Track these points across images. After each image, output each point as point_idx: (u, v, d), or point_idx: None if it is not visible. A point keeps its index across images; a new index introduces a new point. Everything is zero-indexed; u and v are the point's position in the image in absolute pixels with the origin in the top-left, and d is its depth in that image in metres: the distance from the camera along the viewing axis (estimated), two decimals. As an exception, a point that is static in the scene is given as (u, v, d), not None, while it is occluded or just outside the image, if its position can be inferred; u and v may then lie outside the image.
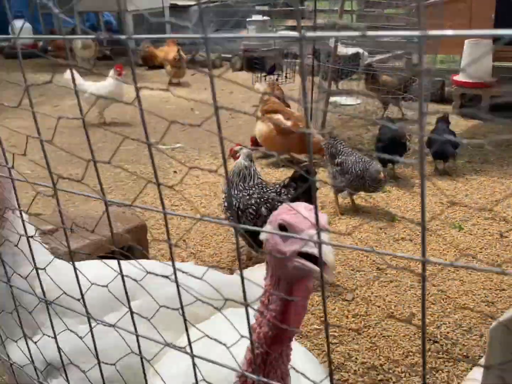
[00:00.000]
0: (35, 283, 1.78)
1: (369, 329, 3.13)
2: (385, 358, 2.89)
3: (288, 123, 5.62)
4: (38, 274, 1.42)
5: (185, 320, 1.00)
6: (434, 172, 5.49)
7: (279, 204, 3.38)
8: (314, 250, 0.98)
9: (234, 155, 3.82)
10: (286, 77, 8.47)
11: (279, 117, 5.77)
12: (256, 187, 3.62)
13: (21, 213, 1.53)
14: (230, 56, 11.38)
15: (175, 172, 5.88)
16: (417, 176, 5.41)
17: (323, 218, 1.02)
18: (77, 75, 7.21)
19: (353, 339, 3.05)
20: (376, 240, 4.19)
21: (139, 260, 1.85)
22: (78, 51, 11.04)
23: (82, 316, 1.94)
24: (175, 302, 1.72)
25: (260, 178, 3.75)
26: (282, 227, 1.05)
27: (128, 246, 2.63)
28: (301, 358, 1.60)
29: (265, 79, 8.14)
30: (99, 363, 1.24)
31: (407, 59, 8.87)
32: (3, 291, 1.83)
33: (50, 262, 1.49)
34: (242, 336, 0.92)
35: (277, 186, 3.57)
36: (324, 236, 0.98)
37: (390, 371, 2.77)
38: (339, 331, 3.13)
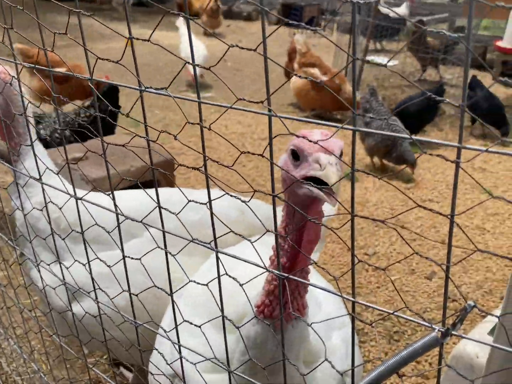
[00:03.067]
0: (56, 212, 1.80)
1: (388, 283, 3.12)
2: (402, 312, 2.88)
3: (324, 78, 5.52)
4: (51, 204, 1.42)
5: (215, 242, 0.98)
6: (469, 136, 5.35)
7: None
8: (318, 173, 0.95)
9: None
10: (323, 30, 8.27)
11: (315, 71, 5.66)
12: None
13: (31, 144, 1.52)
14: (267, 9, 11.13)
15: (204, 120, 5.86)
16: (447, 140, 5.28)
17: (337, 144, 0.98)
18: (182, 23, 7.06)
19: (371, 291, 3.05)
20: (402, 200, 4.14)
21: (160, 188, 1.84)
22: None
23: (103, 243, 1.96)
24: (199, 229, 1.72)
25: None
26: (294, 153, 1.02)
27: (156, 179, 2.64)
28: (322, 292, 1.60)
29: (302, 32, 7.97)
30: (129, 288, 1.25)
31: (450, 22, 8.56)
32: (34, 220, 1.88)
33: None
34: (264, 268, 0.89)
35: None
36: (331, 159, 0.94)
37: (406, 324, 2.77)
38: (358, 283, 3.13)
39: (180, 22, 7.11)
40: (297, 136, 0.94)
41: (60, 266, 1.41)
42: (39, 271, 1.40)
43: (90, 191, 1.26)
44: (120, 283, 1.45)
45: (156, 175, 2.51)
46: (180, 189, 1.28)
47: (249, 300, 1.01)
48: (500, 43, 7.18)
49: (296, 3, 10.15)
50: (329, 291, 0.88)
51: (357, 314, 2.86)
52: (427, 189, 4.29)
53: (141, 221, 1.05)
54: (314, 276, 1.70)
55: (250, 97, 6.35)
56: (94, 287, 1.50)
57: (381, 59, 7.95)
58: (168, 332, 1.14)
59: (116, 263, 1.25)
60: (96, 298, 1.35)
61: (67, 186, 1.56)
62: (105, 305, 1.40)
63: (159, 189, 1.75)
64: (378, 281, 3.15)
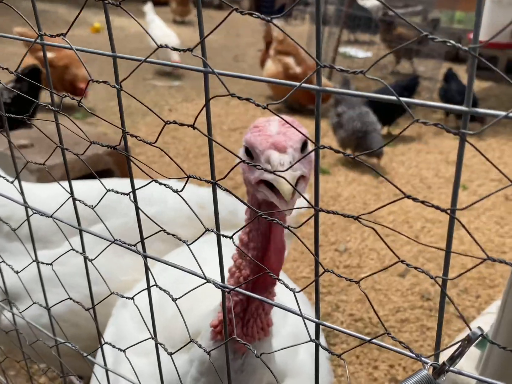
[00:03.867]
0: None
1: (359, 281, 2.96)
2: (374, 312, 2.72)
3: (298, 70, 5.33)
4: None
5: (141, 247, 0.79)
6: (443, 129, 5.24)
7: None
8: (268, 177, 0.76)
9: None
10: (295, 19, 8.09)
11: (289, 60, 5.48)
12: None
13: None
14: (239, -2, 10.91)
15: (170, 110, 5.62)
16: (421, 133, 5.17)
17: (295, 136, 0.78)
18: (150, 9, 6.78)
19: (342, 290, 2.89)
20: (375, 194, 3.99)
21: (111, 179, 1.62)
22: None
23: (40, 241, 1.74)
24: (151, 223, 1.50)
25: None
26: (247, 151, 0.82)
27: (108, 169, 2.41)
28: (289, 295, 1.42)
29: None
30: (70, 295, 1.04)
31: (424, 14, 8.48)
32: None
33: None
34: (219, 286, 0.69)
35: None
36: (284, 159, 0.75)
37: (378, 325, 2.61)
38: (328, 280, 2.96)
39: (148, 8, 6.83)
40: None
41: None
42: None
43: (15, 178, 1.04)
44: (58, 287, 1.23)
45: (109, 165, 2.23)
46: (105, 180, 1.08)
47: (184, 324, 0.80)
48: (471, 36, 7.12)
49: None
50: (293, 312, 0.68)
51: (327, 314, 2.69)
52: (400, 183, 4.15)
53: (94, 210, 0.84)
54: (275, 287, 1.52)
55: (219, 86, 6.12)
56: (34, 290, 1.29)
57: (354, 50, 7.81)
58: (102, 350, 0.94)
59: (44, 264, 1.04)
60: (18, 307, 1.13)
61: None
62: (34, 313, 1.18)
63: (109, 180, 1.54)
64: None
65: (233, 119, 5.42)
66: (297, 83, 0.51)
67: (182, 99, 5.99)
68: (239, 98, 0.55)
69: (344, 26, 6.49)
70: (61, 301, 0.98)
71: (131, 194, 0.78)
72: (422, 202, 0.47)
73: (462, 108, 0.44)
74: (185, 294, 0.73)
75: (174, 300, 0.72)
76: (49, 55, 4.87)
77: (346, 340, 2.52)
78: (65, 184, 0.98)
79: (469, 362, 1.29)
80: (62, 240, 1.74)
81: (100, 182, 0.78)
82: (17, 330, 1.09)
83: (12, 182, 0.90)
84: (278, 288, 0.98)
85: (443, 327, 2.53)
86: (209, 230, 0.66)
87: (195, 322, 1.05)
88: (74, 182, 1.20)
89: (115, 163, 2.47)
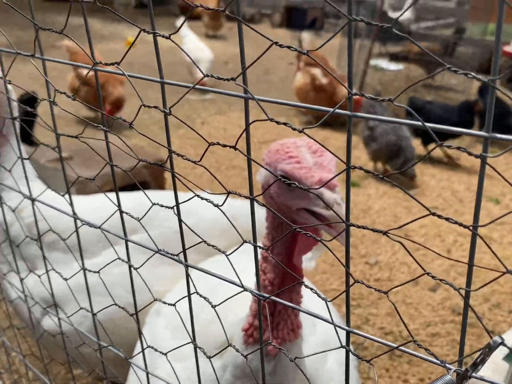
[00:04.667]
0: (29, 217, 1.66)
1: (390, 293, 2.96)
2: (409, 346, 2.72)
3: (324, 80, 5.38)
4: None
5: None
6: (475, 142, 5.19)
7: None
8: (325, 213, 0.81)
9: None
10: (326, 31, 8.15)
11: (317, 71, 5.53)
12: None
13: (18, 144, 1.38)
14: (270, 12, 11.03)
15: (202, 123, 5.72)
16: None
17: (332, 162, 0.84)
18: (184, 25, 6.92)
19: (372, 303, 2.89)
20: (405, 207, 3.98)
21: (146, 191, 1.68)
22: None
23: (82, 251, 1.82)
24: (190, 236, 1.56)
25: None
26: (285, 177, 0.86)
27: (144, 181, 2.50)
28: (318, 305, 1.45)
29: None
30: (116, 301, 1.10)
31: (457, 27, 8.42)
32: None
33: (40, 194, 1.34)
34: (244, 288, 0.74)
35: None
36: (337, 198, 0.81)
37: (408, 338, 2.61)
38: (358, 293, 2.97)
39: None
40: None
41: (19, 278, 1.26)
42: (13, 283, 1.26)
43: (45, 190, 1.11)
44: (98, 296, 1.31)
45: (146, 177, 2.32)
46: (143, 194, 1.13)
47: (221, 327, 0.85)
48: (507, 48, 7.04)
49: (299, 5, 10.02)
50: (324, 319, 0.72)
51: (357, 327, 2.70)
52: (431, 196, 4.14)
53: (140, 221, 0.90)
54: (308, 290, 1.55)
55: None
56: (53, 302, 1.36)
57: (385, 63, 7.81)
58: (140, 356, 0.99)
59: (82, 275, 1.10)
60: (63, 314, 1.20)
61: (40, 190, 1.42)
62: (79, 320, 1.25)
63: (148, 192, 1.58)
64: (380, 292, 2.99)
65: (262, 132, 5.49)
66: (330, 109, 0.56)
67: (215, 112, 6.10)
68: (277, 122, 0.60)
69: (375, 38, 6.50)
70: (104, 308, 1.04)
71: (175, 207, 0.84)
72: (446, 219, 0.51)
73: (482, 133, 0.48)
74: (224, 301, 0.78)
75: (214, 306, 0.77)
76: (88, 73, 5.02)
77: (375, 353, 2.52)
78: (110, 196, 1.05)
79: (498, 375, 1.30)
80: (99, 250, 1.81)
81: (146, 195, 0.84)
82: (63, 335, 1.16)
83: (63, 195, 0.97)
84: (308, 297, 1.03)
85: (474, 341, 2.51)
86: (246, 242, 0.71)
87: (228, 329, 1.11)
88: (111, 194, 1.27)
89: (150, 175, 2.56)
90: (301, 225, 0.91)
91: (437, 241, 3.52)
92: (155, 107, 0.68)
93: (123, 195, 1.76)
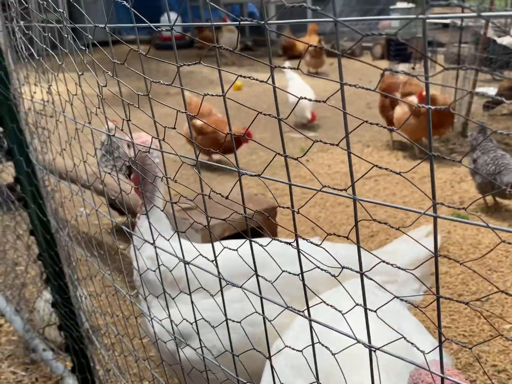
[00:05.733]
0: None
1: (503, 332, 2.95)
2: (519, 364, 2.70)
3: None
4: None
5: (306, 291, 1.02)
6: None
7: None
8: None
9: None
10: (413, 68, 8.13)
11: (413, 98, 5.57)
12: None
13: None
14: (371, 44, 11.16)
15: (307, 160, 5.96)
16: None
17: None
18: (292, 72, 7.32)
19: (484, 340, 2.89)
20: (519, 241, 3.90)
21: (257, 239, 1.91)
22: (222, 42, 11.56)
23: (204, 291, 2.08)
24: (294, 281, 1.77)
25: None
26: None
27: (258, 226, 2.75)
28: (413, 328, 1.55)
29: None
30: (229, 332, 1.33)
31: None
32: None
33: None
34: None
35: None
36: None
37: (524, 378, 2.59)
38: (470, 331, 2.98)
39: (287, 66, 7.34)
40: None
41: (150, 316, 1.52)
42: (152, 326, 1.53)
43: (198, 255, 1.36)
44: (220, 329, 1.53)
45: (259, 223, 2.60)
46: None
47: None
48: None
49: (401, 37, 10.06)
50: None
51: (469, 364, 2.73)
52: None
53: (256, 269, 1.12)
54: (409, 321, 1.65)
55: (353, 134, 6.37)
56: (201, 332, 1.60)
57: (492, 89, 7.61)
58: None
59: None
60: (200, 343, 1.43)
61: (177, 246, 1.68)
62: (208, 350, 1.48)
63: (260, 240, 1.80)
64: (492, 329, 2.98)
65: (366, 167, 5.61)
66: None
67: (318, 150, 6.31)
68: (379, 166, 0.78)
69: (479, 67, 6.40)
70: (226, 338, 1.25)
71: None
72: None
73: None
74: (341, 350, 0.91)
75: (333, 354, 0.90)
76: (199, 123, 5.50)
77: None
78: (225, 243, 1.26)
79: None
80: (217, 291, 2.06)
81: (281, 241, 1.04)
82: (205, 367, 1.39)
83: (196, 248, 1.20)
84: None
85: None
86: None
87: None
88: (232, 241, 1.50)
89: (262, 219, 2.81)
90: None
91: (554, 276, 3.42)
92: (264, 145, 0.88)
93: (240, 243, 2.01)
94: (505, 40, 7.90)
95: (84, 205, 1.69)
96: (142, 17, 0.93)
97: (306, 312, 0.94)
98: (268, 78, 0.80)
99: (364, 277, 0.81)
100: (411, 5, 11.35)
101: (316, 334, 0.91)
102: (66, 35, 1.15)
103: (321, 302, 0.94)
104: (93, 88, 1.14)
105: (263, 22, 0.78)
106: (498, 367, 2.69)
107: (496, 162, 4.20)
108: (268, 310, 1.39)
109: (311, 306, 0.92)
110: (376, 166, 0.72)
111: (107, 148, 3.90)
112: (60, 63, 1.29)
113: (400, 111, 5.69)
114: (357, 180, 0.76)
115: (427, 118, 0.64)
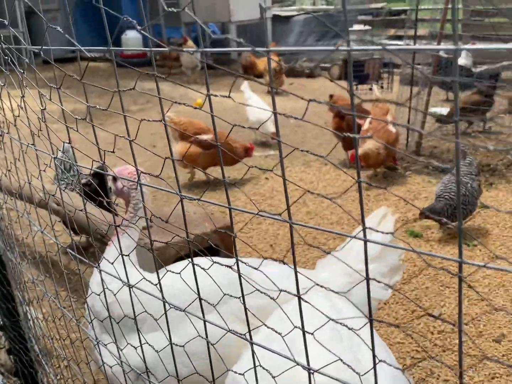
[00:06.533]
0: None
1: (454, 346, 3.02)
2: (469, 378, 2.77)
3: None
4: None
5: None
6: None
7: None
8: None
9: None
10: (382, 87, 8.36)
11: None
12: None
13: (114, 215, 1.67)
14: (329, 65, 11.39)
15: (266, 178, 6.00)
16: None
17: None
18: (247, 87, 7.42)
19: (437, 355, 2.96)
20: (469, 257, 4.02)
21: (221, 259, 1.92)
22: (183, 60, 11.59)
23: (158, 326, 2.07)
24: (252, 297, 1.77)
25: None
26: None
27: (216, 244, 2.75)
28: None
29: (356, 89, 8.10)
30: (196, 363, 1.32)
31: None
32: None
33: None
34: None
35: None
36: None
37: (474, 392, 2.66)
38: (423, 346, 3.04)
39: (245, 87, 7.40)
40: None
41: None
42: (99, 353, 1.50)
43: (141, 278, 1.34)
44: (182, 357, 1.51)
45: (216, 242, 2.60)
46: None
47: None
48: None
49: (358, 58, 10.31)
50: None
51: (422, 379, 2.78)
52: (494, 245, 4.15)
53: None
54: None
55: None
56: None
57: (445, 109, 7.87)
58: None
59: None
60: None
61: (132, 270, 1.65)
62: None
63: (222, 261, 1.76)
64: (444, 344, 3.05)
65: (324, 185, 5.69)
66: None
67: (277, 167, 6.37)
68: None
69: (431, 88, 6.61)
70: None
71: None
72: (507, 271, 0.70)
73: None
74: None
75: (273, 377, 0.93)
76: (205, 137, 5.61)
77: (441, 406, 2.59)
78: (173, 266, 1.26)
79: None
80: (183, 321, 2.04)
81: (222, 264, 1.05)
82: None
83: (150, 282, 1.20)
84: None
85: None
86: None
87: None
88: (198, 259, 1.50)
89: (219, 238, 2.81)
90: None
91: (501, 290, 3.53)
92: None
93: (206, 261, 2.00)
94: (460, 61, 8.19)
95: (40, 223, 1.66)
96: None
97: (248, 335, 0.96)
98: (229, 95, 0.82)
99: (321, 288, 0.84)
100: (367, 27, 11.67)
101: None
102: (6, 57, 1.15)
103: (262, 325, 0.96)
104: (43, 106, 1.13)
105: (200, 50, 0.81)
106: (450, 381, 2.75)
107: (443, 186, 4.28)
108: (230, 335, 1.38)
109: (253, 329, 0.95)
110: (308, 191, 0.75)
111: (62, 166, 3.85)
112: (2, 84, 1.27)
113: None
114: (292, 204, 0.78)
115: (354, 146, 0.66)
